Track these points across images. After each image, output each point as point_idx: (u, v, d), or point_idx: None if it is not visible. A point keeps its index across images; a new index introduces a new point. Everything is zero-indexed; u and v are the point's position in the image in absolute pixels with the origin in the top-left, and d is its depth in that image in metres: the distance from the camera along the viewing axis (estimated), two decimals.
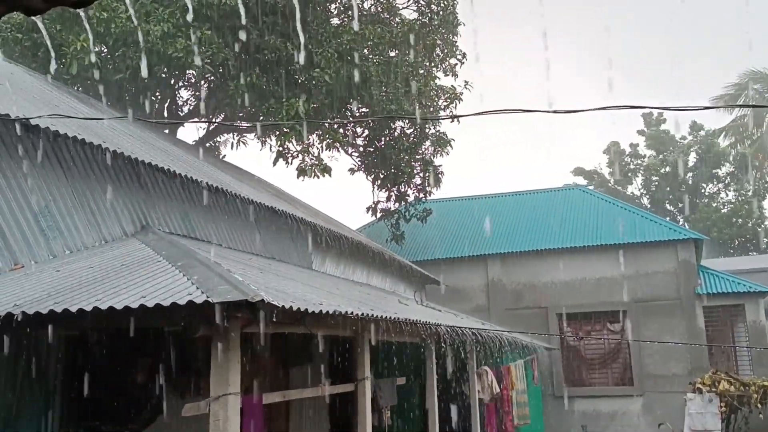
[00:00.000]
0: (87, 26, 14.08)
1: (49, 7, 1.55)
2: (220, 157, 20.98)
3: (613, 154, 41.70)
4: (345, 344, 10.64)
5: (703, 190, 39.36)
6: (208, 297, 4.61)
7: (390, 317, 6.81)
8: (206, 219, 10.08)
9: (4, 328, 5.23)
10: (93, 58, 13.84)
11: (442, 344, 10.56)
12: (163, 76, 17.64)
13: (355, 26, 16.01)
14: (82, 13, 11.96)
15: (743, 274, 20.39)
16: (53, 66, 14.18)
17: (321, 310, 5.33)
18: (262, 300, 4.46)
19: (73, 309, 4.80)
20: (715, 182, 39.21)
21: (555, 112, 4.63)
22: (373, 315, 6.24)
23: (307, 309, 5.11)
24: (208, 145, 20.91)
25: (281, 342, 8.98)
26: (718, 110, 34.88)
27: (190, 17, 14.91)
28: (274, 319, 4.91)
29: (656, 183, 39.28)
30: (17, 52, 14.72)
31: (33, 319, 4.98)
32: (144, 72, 15.48)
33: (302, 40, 16.02)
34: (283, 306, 4.72)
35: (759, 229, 36.20)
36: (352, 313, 5.78)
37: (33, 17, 1.61)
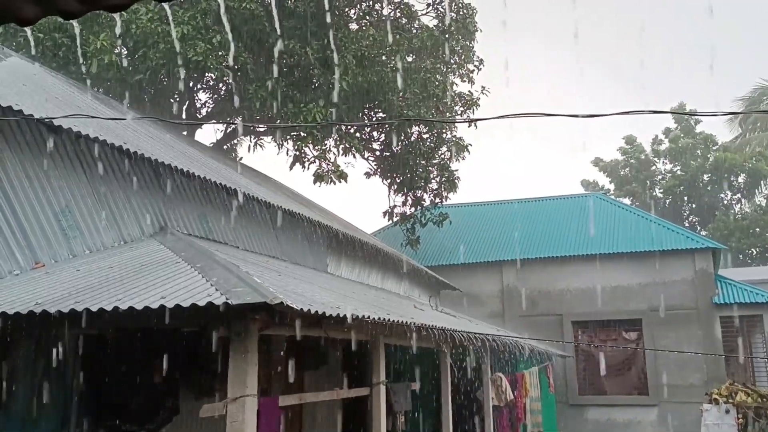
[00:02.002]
0: (118, 22, 14.20)
1: (85, 11, 1.57)
2: (237, 159, 21.08)
3: (629, 152, 41.40)
4: (358, 348, 10.65)
5: (720, 200, 39.02)
6: (227, 299, 4.64)
7: (406, 322, 6.81)
8: (224, 221, 10.13)
9: (25, 327, 5.29)
10: (114, 58, 13.99)
11: (458, 350, 10.55)
12: (182, 78, 17.77)
13: (389, 29, 16.02)
14: (116, 16, 12.08)
15: (762, 285, 20.16)
16: (81, 66, 14.32)
17: (338, 314, 5.35)
18: (282, 303, 4.48)
19: (94, 308, 4.85)
20: (733, 191, 38.88)
21: (576, 116, 4.62)
22: (389, 319, 6.25)
23: (324, 312, 5.13)
24: (225, 147, 21.04)
25: (295, 344, 9.01)
26: (730, 123, 34.80)
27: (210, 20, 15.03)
28: (293, 322, 4.94)
29: (674, 190, 38.94)
30: (39, 52, 14.89)
31: (54, 317, 5.03)
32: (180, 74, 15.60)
33: (327, 44, 16.07)
34: (301, 309, 4.74)
35: None
36: (368, 317, 5.79)
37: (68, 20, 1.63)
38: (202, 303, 4.62)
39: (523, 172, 74.00)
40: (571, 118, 4.73)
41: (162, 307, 4.65)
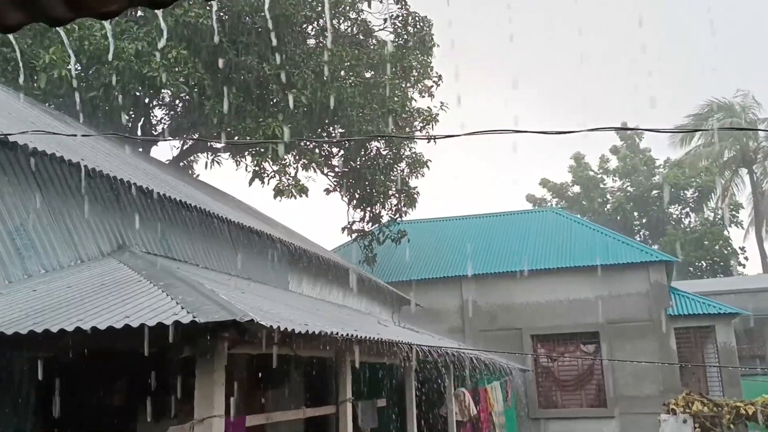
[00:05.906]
0: (65, 39, 13.88)
1: (74, 18, 1.50)
2: (194, 176, 20.78)
3: (577, 171, 42.27)
4: (320, 365, 10.53)
5: (669, 215, 39.99)
6: (195, 317, 4.52)
7: (374, 338, 6.75)
8: (183, 239, 9.94)
9: None
10: (64, 72, 13.66)
11: (422, 365, 10.51)
12: (138, 94, 17.47)
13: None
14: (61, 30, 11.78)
15: (712, 296, 20.69)
16: (31, 82, 13.94)
17: (308, 331, 5.27)
18: (252, 320, 4.39)
19: (55, 330, 4.67)
20: (682, 205, 39.88)
21: (546, 133, 4.66)
22: (358, 336, 6.19)
23: (294, 330, 5.05)
24: (181, 164, 20.71)
25: (255, 363, 8.86)
26: (672, 142, 35.96)
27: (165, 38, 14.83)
28: (261, 341, 4.84)
29: (624, 206, 39.79)
30: None
31: (11, 340, 4.84)
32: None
33: (284, 60, 15.99)
34: (271, 326, 4.65)
35: (726, 252, 36.82)
36: (338, 333, 5.72)
37: (57, 27, 1.56)
38: (168, 322, 4.49)
39: (478, 189, 74.75)
40: (540, 135, 4.77)
41: (127, 326, 4.50)
